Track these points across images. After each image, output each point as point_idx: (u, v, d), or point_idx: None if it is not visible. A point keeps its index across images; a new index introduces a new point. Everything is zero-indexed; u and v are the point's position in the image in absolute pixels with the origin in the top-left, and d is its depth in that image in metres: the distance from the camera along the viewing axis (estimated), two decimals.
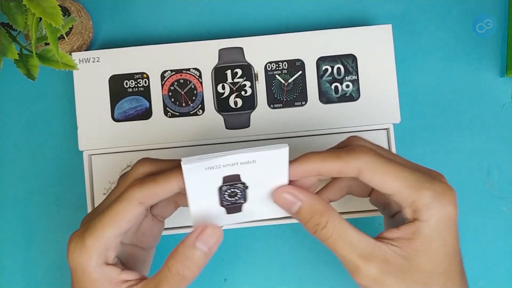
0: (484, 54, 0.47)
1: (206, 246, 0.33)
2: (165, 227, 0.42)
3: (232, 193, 0.33)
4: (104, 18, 0.48)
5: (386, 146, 0.44)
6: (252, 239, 0.46)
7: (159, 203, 0.37)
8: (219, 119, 0.44)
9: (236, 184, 0.33)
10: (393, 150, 0.44)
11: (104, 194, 0.44)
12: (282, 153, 0.31)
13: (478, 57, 0.47)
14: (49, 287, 0.46)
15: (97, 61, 0.44)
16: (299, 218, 0.33)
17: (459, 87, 0.47)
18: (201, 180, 0.32)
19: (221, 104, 0.44)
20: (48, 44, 0.39)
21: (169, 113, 0.44)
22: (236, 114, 0.44)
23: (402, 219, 0.34)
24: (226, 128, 0.44)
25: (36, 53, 0.38)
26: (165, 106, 0.44)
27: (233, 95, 0.44)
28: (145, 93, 0.44)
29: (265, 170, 0.32)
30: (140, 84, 0.44)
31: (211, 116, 0.44)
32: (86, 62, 0.44)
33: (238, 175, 0.32)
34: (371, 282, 0.31)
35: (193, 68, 0.44)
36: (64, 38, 0.43)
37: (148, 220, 0.37)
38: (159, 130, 0.44)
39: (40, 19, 0.36)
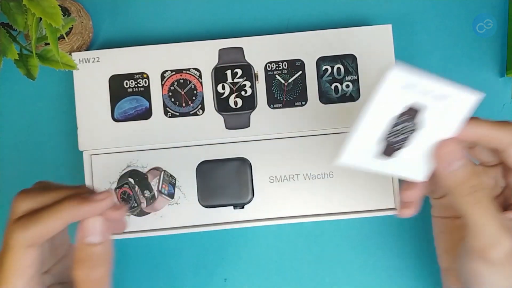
0: (484, 54, 0.47)
1: (96, 235, 0.30)
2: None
3: (403, 129, 0.30)
4: (104, 18, 0.48)
5: None
6: (252, 239, 0.46)
7: None
8: (219, 119, 0.44)
9: (413, 119, 0.30)
10: None
11: None
12: (469, 100, 0.30)
13: (478, 57, 0.47)
14: None
15: (97, 61, 0.44)
16: (455, 177, 0.31)
17: None
18: (390, 98, 0.29)
19: (221, 104, 0.44)
20: (48, 44, 0.39)
21: (169, 113, 0.44)
22: (236, 114, 0.44)
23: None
24: (226, 128, 0.44)
25: (36, 53, 0.38)
26: (165, 106, 0.44)
27: (233, 95, 0.44)
28: (145, 93, 0.44)
29: (443, 115, 0.30)
30: (140, 84, 0.44)
31: (211, 116, 0.44)
32: (86, 62, 0.44)
33: (419, 111, 0.30)
34: (507, 256, 0.31)
35: (193, 68, 0.44)
36: (64, 38, 0.43)
37: None
38: (159, 130, 0.44)
39: (40, 19, 0.36)
